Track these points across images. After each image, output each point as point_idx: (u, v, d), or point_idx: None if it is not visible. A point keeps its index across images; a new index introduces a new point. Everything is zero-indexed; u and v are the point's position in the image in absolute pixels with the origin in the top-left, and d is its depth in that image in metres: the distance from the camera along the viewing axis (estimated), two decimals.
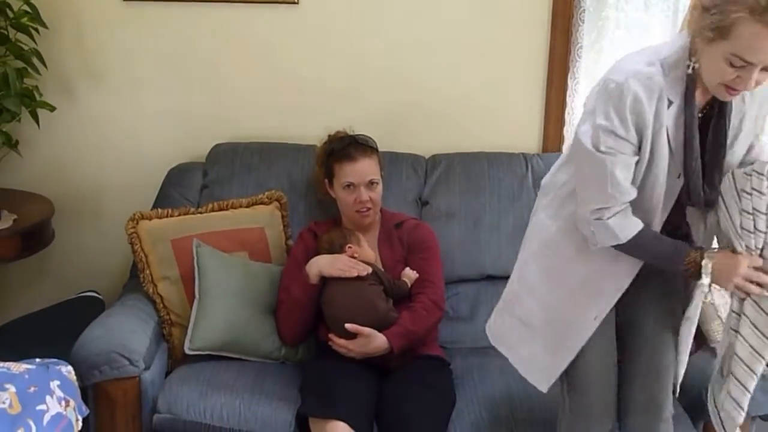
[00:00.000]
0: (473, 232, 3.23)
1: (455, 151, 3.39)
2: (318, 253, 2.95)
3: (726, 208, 2.20)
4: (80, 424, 2.43)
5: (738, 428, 2.33)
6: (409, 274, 2.96)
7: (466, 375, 2.96)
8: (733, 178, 2.19)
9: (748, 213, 2.14)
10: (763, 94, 2.26)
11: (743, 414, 2.29)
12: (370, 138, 3.03)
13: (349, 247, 2.94)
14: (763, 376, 2.54)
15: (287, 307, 2.94)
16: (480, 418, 2.74)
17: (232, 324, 2.92)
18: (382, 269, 2.96)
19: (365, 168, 2.94)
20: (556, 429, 2.49)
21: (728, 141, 2.22)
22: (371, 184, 2.96)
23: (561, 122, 3.46)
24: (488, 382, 2.90)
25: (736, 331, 2.26)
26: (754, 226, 2.14)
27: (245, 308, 2.96)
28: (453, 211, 3.27)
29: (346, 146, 2.96)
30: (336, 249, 2.94)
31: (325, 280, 2.88)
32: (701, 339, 2.81)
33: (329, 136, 3.09)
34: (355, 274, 2.84)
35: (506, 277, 3.01)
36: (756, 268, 2.16)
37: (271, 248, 3.14)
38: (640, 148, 2.15)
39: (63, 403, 2.35)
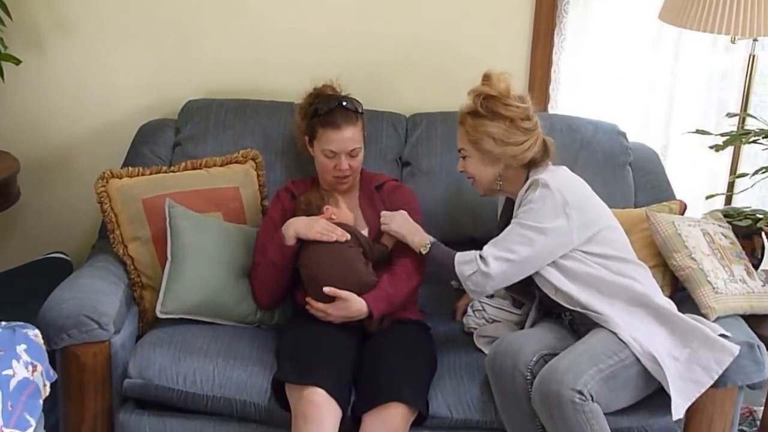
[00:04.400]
0: (455, 193, 3.23)
1: (437, 109, 3.37)
2: (295, 214, 2.94)
3: None
4: (48, 389, 2.42)
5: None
6: (390, 237, 2.94)
7: (448, 340, 2.98)
8: None
9: None
10: None
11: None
12: (357, 101, 3.00)
13: (327, 209, 2.92)
14: (750, 345, 2.59)
15: (263, 269, 2.92)
16: (462, 384, 2.76)
17: (205, 287, 2.91)
18: (366, 233, 2.95)
19: (349, 137, 2.92)
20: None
21: None
22: (353, 151, 2.94)
23: (546, 80, 3.44)
24: (471, 347, 2.92)
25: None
26: None
27: (219, 270, 2.95)
28: (434, 172, 3.27)
29: (331, 110, 2.92)
30: (313, 210, 2.92)
31: (302, 242, 2.86)
32: (693, 307, 2.83)
33: (315, 88, 3.06)
34: (334, 239, 2.83)
35: (486, 241, 3.02)
36: None
37: (246, 208, 3.13)
38: None
39: (30, 368, 2.34)
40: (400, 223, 2.86)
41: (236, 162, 3.15)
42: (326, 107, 2.93)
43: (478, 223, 3.21)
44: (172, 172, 3.09)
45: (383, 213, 2.91)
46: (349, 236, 2.85)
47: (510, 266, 2.66)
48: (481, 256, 2.66)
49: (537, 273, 2.70)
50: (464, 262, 2.69)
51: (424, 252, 2.78)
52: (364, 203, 3.05)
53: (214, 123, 3.27)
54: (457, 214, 3.24)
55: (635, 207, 3.20)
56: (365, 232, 2.97)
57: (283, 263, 2.87)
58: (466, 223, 3.24)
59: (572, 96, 3.48)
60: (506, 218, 2.86)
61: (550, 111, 3.46)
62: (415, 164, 3.29)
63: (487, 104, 2.71)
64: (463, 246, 3.06)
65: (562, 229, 2.65)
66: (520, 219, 2.67)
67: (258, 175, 3.17)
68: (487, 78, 2.77)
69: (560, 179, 2.72)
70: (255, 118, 3.28)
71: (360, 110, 2.98)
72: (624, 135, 3.35)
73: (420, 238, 2.82)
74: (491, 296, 2.99)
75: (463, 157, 2.82)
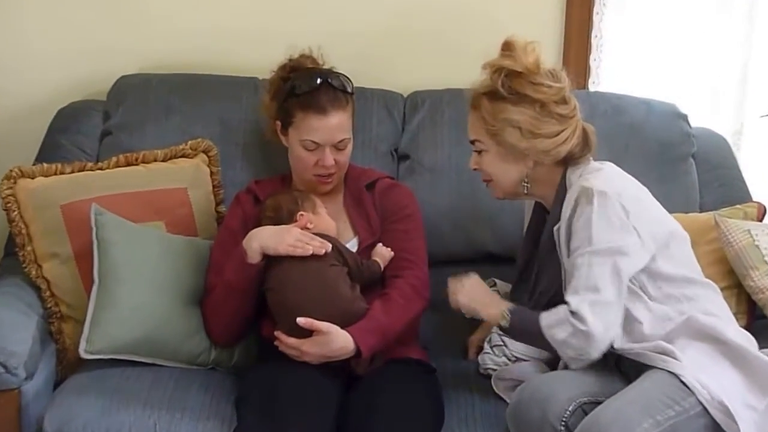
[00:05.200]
0: (468, 195, 3.25)
1: (443, 86, 3.40)
2: (260, 223, 2.92)
3: None
4: None
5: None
6: (382, 252, 2.96)
7: (458, 385, 2.99)
8: None
9: None
10: None
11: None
12: (346, 77, 3.00)
13: (302, 215, 2.91)
14: None
15: (218, 294, 2.92)
16: None
17: (143, 318, 2.91)
18: (353, 245, 2.97)
19: (336, 125, 2.93)
20: None
21: None
22: (340, 143, 2.94)
23: (585, 48, 3.48)
24: (489, 393, 2.92)
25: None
26: None
27: (162, 296, 2.95)
28: (440, 168, 3.30)
29: (314, 90, 2.92)
30: (284, 218, 2.91)
31: (269, 259, 2.84)
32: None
33: (290, 59, 3.06)
34: (310, 252, 2.80)
35: (512, 258, 3.04)
36: None
37: (197, 216, 3.16)
38: None
39: None
40: (471, 293, 2.82)
41: (184, 156, 3.16)
42: (307, 85, 2.93)
43: (498, 233, 3.25)
44: (100, 169, 3.09)
45: (450, 281, 2.84)
46: (330, 248, 2.84)
47: (608, 312, 2.58)
48: (572, 312, 2.58)
49: None
50: (554, 324, 2.60)
51: (504, 324, 2.72)
52: (351, 208, 3.06)
53: (154, 105, 3.28)
54: (470, 222, 3.26)
55: (700, 211, 3.22)
56: (352, 245, 2.98)
57: (244, 286, 2.86)
58: (481, 234, 3.27)
59: (618, 68, 3.51)
60: (536, 229, 2.86)
61: (591, 88, 3.50)
62: (415, 158, 3.32)
63: (511, 83, 2.67)
64: (477, 265, 3.09)
65: (637, 246, 2.61)
66: (590, 247, 2.59)
67: (212, 173, 3.18)
68: (509, 48, 2.71)
69: (613, 181, 2.69)
70: (208, 99, 3.30)
71: (350, 89, 2.99)
72: (685, 118, 3.37)
73: (496, 309, 2.73)
74: None
75: (478, 152, 2.78)
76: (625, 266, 2.59)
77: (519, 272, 2.94)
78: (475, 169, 2.83)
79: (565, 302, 2.63)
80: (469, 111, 2.78)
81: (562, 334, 2.58)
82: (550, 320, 2.61)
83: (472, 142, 2.79)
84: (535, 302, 2.80)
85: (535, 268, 2.83)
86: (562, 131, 2.69)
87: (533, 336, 2.65)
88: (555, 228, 2.70)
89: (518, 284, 2.94)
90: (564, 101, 2.70)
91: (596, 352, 2.59)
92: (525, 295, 2.86)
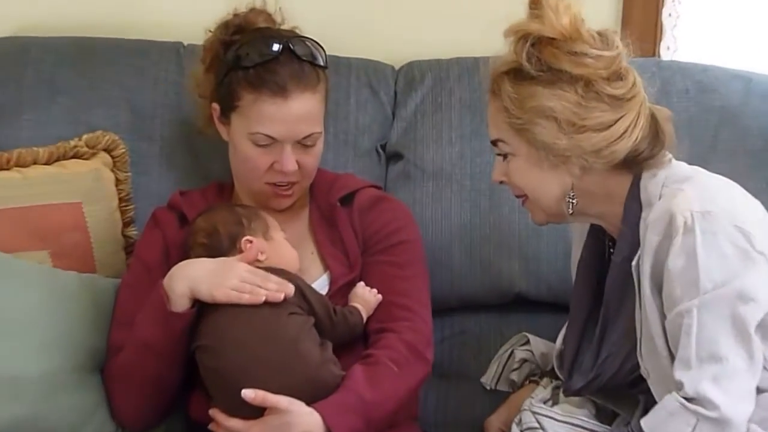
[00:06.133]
0: (487, 211, 3.29)
1: (450, 54, 3.48)
2: (188, 255, 2.90)
3: None
4: None
5: None
6: (365, 295, 2.95)
7: None
8: None
9: None
10: None
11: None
12: (316, 43, 2.98)
13: (249, 242, 2.86)
14: None
15: (128, 357, 2.87)
16: None
17: (20, 391, 2.84)
18: (321, 285, 2.97)
19: (302, 113, 2.90)
20: None
21: None
22: (307, 139, 2.92)
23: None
24: None
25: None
26: None
27: (46, 360, 2.89)
28: (447, 172, 3.34)
29: (270, 61, 2.90)
30: (223, 245, 2.88)
31: (202, 307, 2.78)
32: None
33: (236, 14, 3.05)
34: (263, 299, 2.73)
35: (552, 303, 3.03)
36: None
37: (96, 243, 3.18)
38: None
39: None
40: None
41: (77, 156, 3.19)
42: (259, 53, 2.91)
43: (531, 267, 3.29)
44: None
45: None
46: (292, 291, 2.77)
47: (739, 381, 2.51)
48: (689, 399, 2.51)
49: (651, 375, 2.64)
50: (662, 422, 2.53)
51: None
52: (320, 231, 3.07)
53: (34, 83, 3.30)
54: (491, 250, 3.29)
55: None
56: (321, 284, 2.98)
57: (165, 346, 2.79)
58: (507, 267, 3.29)
59: (704, 28, 3.53)
60: (594, 264, 2.82)
61: (664, 56, 3.57)
62: (410, 157, 3.36)
63: (540, 55, 2.58)
64: (502, 313, 3.03)
65: (764, 281, 2.53)
66: (698, 297, 2.51)
67: (118, 181, 3.23)
68: (537, 3, 2.63)
69: (718, 193, 2.61)
70: (112, 74, 3.33)
71: (322, 61, 2.98)
72: None
73: None
74: (553, 402, 2.96)
75: (503, 156, 2.71)
76: (753, 315, 2.50)
77: (572, 326, 2.91)
78: (500, 182, 2.77)
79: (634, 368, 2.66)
80: (489, 99, 2.69)
81: (684, 429, 2.51)
82: (654, 421, 2.54)
83: (495, 143, 2.72)
84: (597, 371, 2.77)
85: (598, 323, 2.78)
86: (618, 120, 2.59)
87: None
88: (634, 263, 2.61)
89: (571, 342, 2.90)
90: (618, 77, 2.60)
91: None
92: (589, 359, 2.81)
